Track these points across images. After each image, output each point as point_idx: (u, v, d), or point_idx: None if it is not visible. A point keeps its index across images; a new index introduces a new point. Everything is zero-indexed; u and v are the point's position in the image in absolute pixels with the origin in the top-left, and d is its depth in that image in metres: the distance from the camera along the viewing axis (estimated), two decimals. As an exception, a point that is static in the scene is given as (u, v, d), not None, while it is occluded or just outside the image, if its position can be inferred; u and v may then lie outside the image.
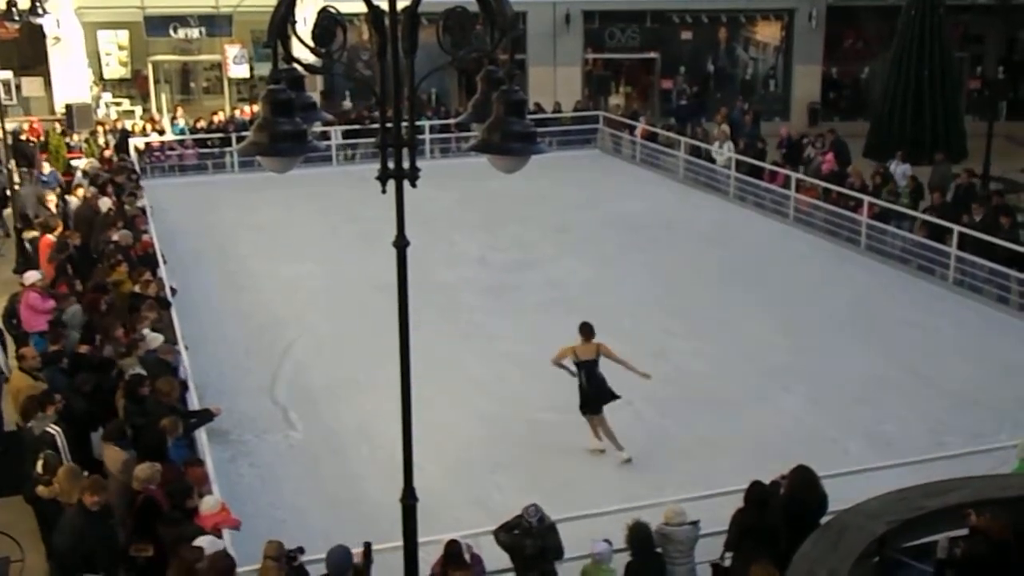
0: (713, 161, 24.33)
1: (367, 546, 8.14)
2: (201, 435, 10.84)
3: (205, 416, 11.10)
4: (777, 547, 8.33)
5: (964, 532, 8.18)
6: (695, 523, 8.80)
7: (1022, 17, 30.67)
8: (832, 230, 20.29)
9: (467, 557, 8.25)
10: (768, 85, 33.88)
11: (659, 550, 8.70)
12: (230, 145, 25.73)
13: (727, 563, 8.82)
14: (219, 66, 32.26)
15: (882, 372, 14.16)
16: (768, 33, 33.68)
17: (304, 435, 12.74)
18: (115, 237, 15.87)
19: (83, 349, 11.94)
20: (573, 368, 11.93)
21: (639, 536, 8.60)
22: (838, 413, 13.01)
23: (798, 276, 18.31)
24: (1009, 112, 31.79)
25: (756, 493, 8.78)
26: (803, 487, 8.85)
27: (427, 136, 26.78)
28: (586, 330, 11.99)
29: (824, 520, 8.69)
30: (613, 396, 11.97)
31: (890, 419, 12.81)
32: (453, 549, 8.14)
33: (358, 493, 11.23)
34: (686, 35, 33.09)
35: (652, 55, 33.06)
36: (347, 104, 30.34)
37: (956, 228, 17.51)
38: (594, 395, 11.93)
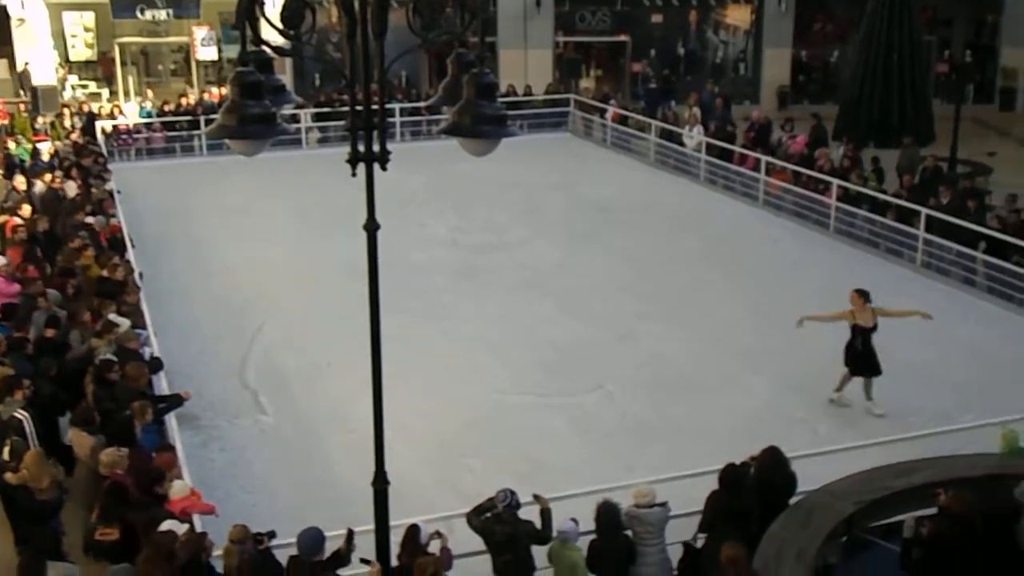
0: (683, 144, 24.37)
1: (350, 532, 8.13)
2: (171, 420, 10.80)
3: (175, 401, 11.07)
4: (749, 528, 8.40)
5: (931, 511, 8.28)
6: (664, 504, 8.84)
7: (989, 1, 30.87)
8: (802, 213, 20.41)
9: (438, 544, 8.25)
10: (738, 68, 33.96)
11: (628, 532, 8.74)
12: (198, 128, 25.52)
13: (699, 544, 8.87)
14: (187, 48, 31.96)
15: (851, 354, 14.26)
16: (738, 16, 33.74)
17: (275, 419, 12.70)
18: (88, 221, 15.74)
19: (49, 333, 11.84)
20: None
21: (607, 516, 8.62)
22: (807, 394, 13.11)
23: (768, 259, 18.41)
24: (976, 96, 32.02)
25: (730, 475, 8.82)
26: (773, 468, 8.92)
27: (397, 119, 26.66)
28: (864, 296, 12.49)
29: (793, 500, 8.77)
30: (876, 371, 12.58)
31: (859, 399, 12.91)
32: (410, 533, 8.12)
33: (329, 477, 11.22)
34: (656, 18, 33.09)
35: (623, 38, 33.06)
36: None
37: (924, 211, 17.65)
38: (864, 363, 12.54)
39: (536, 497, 8.72)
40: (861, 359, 12.62)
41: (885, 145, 24.18)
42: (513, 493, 8.46)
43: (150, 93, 28.27)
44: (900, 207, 18.35)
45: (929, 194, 18.49)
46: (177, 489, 8.81)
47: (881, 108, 25.81)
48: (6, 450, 9.23)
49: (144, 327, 13.03)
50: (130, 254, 15.98)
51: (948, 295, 16.71)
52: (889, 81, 25.78)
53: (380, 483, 7.37)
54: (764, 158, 21.69)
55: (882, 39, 25.87)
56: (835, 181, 19.71)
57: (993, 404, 12.06)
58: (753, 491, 8.80)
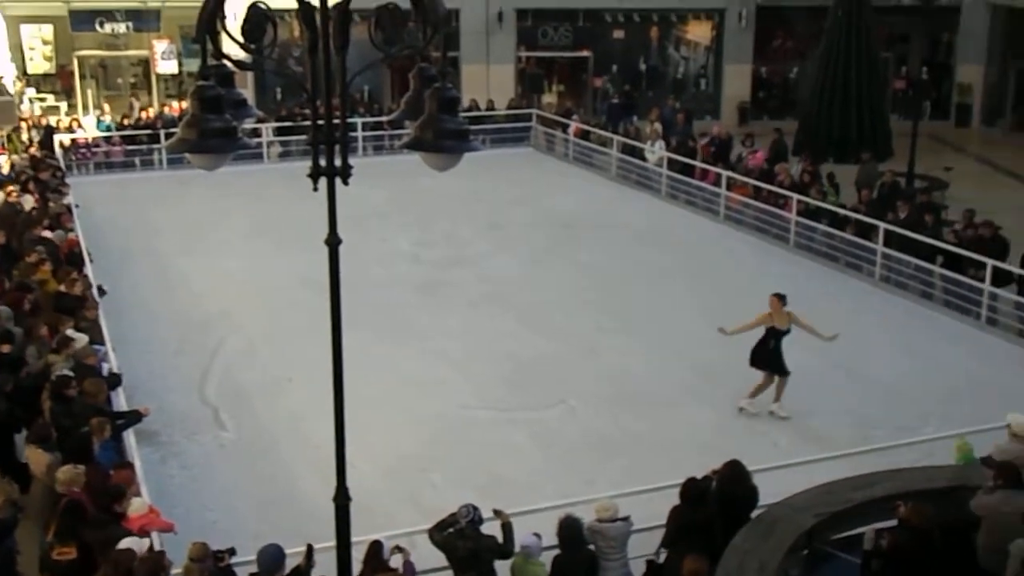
0: (645, 160, 24.50)
1: (309, 548, 8.08)
2: (130, 436, 10.68)
3: (133, 417, 10.94)
4: (712, 542, 8.42)
5: (891, 523, 8.34)
6: (626, 519, 8.85)
7: (945, 19, 31.35)
8: (762, 227, 20.57)
9: (400, 560, 8.21)
10: (699, 84, 34.22)
11: (591, 546, 8.74)
12: (158, 142, 25.34)
13: (662, 559, 8.89)
14: (146, 62, 31.75)
15: (811, 367, 14.34)
16: (699, 33, 34.02)
17: (235, 435, 12.59)
18: (46, 235, 15.57)
19: (4, 348, 11.67)
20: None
21: (569, 531, 8.62)
22: (769, 407, 13.18)
23: (729, 273, 18.53)
24: (933, 112, 32.48)
25: (691, 489, 8.85)
26: (734, 481, 8.95)
27: (359, 133, 26.63)
28: (782, 300, 12.92)
29: (755, 514, 8.81)
30: (783, 372, 12.98)
31: (819, 413, 13.01)
32: (372, 549, 8.09)
33: (290, 493, 11.13)
34: (618, 34, 33.30)
35: (585, 54, 33.22)
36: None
37: (882, 225, 17.84)
38: (775, 363, 12.96)
39: (497, 512, 8.71)
40: (773, 359, 12.95)
41: (844, 160, 24.44)
42: (475, 508, 8.43)
43: (107, 107, 28.01)
44: (859, 221, 18.55)
45: (887, 209, 18.71)
46: (136, 506, 8.70)
47: (840, 124, 26.10)
48: (-40, 468, 9.09)
49: (103, 342, 12.88)
50: (88, 268, 15.81)
51: (906, 309, 16.90)
52: (847, 97, 26.10)
53: (341, 499, 7.32)
54: (725, 173, 21.86)
55: (840, 56, 26.20)
56: (795, 196, 19.89)
57: (951, 416, 12.21)
58: (715, 505, 8.84)
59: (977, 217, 17.81)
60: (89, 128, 26.61)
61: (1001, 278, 16.05)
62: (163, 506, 9.53)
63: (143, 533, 8.40)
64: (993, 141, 30.56)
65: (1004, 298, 15.93)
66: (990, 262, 15.82)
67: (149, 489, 9.65)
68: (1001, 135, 31.04)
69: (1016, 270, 16.08)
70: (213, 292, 17.32)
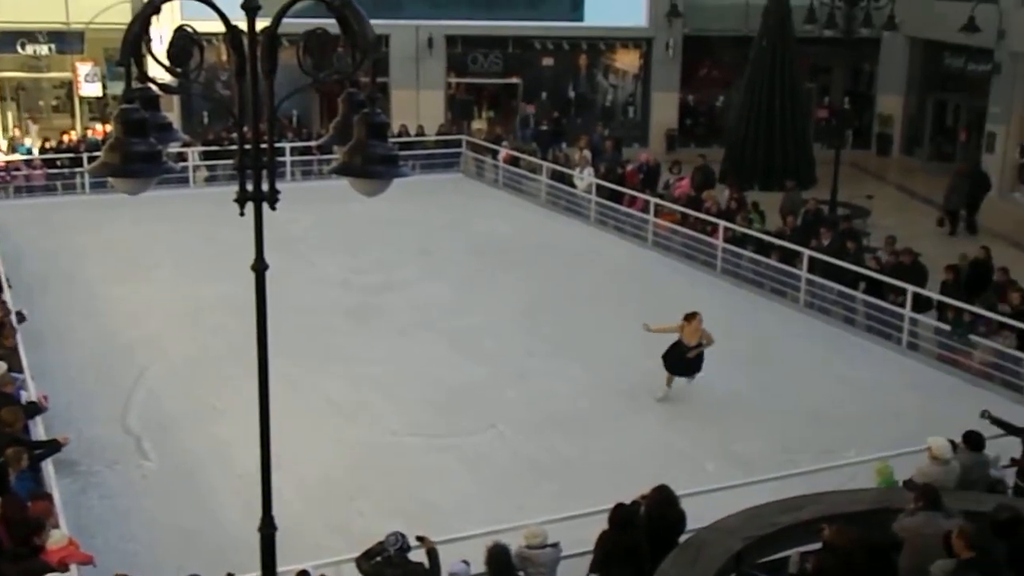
0: (574, 186, 24.67)
1: (229, 577, 7.97)
2: (48, 466, 10.42)
3: (52, 446, 10.68)
4: (640, 567, 8.45)
5: (816, 546, 8.44)
6: (556, 545, 8.84)
7: (866, 51, 32.06)
8: (689, 254, 20.79)
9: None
10: (627, 112, 34.58)
11: (520, 573, 8.71)
12: (81, 165, 24.89)
13: (591, 585, 8.89)
14: (70, 84, 31.23)
15: (737, 391, 14.56)
16: (627, 61, 34.40)
17: (158, 464, 12.36)
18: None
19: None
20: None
21: (496, 560, 8.59)
22: (696, 432, 13.31)
23: (656, 299, 18.62)
24: (855, 141, 33.17)
25: (620, 514, 8.87)
26: (663, 506, 9.01)
27: (288, 158, 26.41)
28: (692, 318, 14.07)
29: (683, 538, 8.86)
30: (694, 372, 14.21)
31: (746, 437, 13.16)
32: None
33: (215, 523, 10.95)
34: (547, 61, 33.53)
35: (514, 80, 33.42)
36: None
37: (806, 252, 18.15)
38: (693, 367, 14.18)
39: (420, 539, 8.66)
40: (692, 365, 14.08)
41: (768, 188, 24.85)
42: (403, 536, 8.38)
43: (30, 129, 27.48)
44: (783, 248, 18.85)
45: (811, 236, 19.04)
46: (55, 539, 8.49)
47: (765, 152, 26.59)
48: None
49: (21, 370, 12.58)
50: (7, 294, 15.45)
51: (830, 334, 17.18)
52: (772, 126, 26.60)
53: (267, 528, 7.21)
54: (653, 200, 22.08)
55: (765, 85, 26.72)
56: (721, 223, 20.15)
57: (873, 440, 12.42)
58: (643, 529, 8.87)
59: (898, 244, 18.20)
60: (9, 151, 26.06)
61: (921, 304, 16.41)
62: (83, 538, 9.32)
63: (62, 566, 8.21)
64: (912, 170, 31.30)
65: (924, 323, 16.29)
66: (910, 288, 16.16)
67: (68, 521, 9.44)
68: (920, 164, 31.79)
69: (935, 296, 16.46)
70: (137, 318, 17.02)
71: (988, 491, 9.95)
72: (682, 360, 14.05)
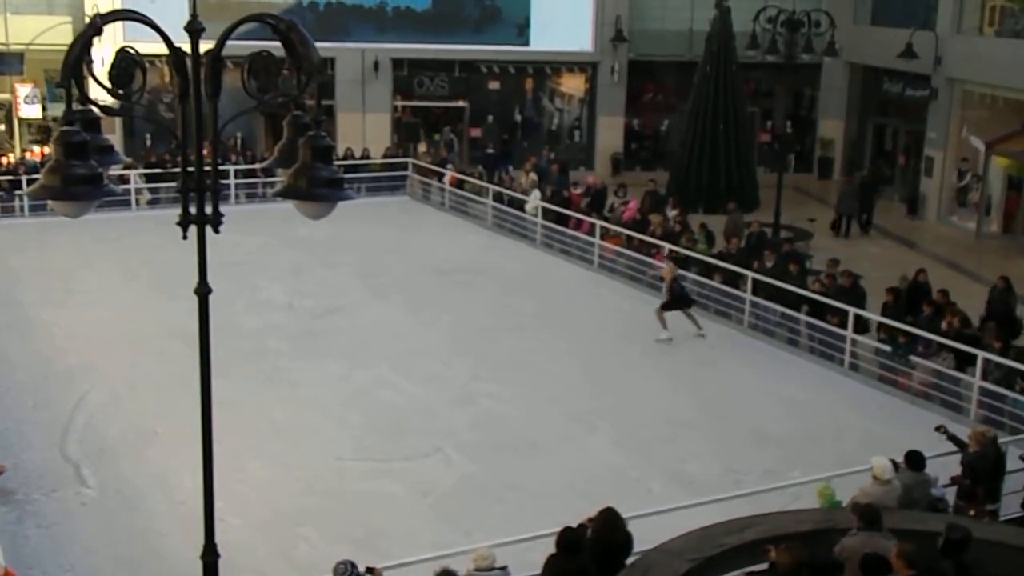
0: (522, 209, 24.74)
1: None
2: (-17, 495, 10.21)
3: (-11, 474, 10.47)
4: (587, 589, 8.43)
5: (762, 567, 8.49)
6: (504, 568, 8.81)
7: (807, 76, 32.64)
8: (635, 276, 20.91)
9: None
10: (573, 135, 34.80)
11: (469, 597, 8.66)
12: (20, 188, 24.48)
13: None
14: (9, 105, 30.78)
15: (682, 413, 14.63)
16: (573, 85, 34.66)
17: (98, 491, 12.13)
18: None
19: None
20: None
21: (444, 585, 8.54)
22: (642, 453, 13.34)
23: (602, 321, 18.76)
24: (797, 164, 33.67)
25: (567, 537, 8.86)
26: (609, 527, 9.01)
27: (232, 181, 26.20)
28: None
29: (630, 560, 8.87)
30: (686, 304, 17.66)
31: (691, 458, 13.22)
32: None
33: (156, 551, 10.77)
34: (494, 85, 33.67)
35: (461, 103, 33.49)
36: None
37: (750, 274, 18.34)
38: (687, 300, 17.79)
39: (370, 570, 8.59)
40: (686, 297, 17.68)
41: (713, 211, 25.13)
42: (353, 564, 8.30)
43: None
44: (727, 270, 19.03)
45: (754, 258, 19.24)
46: (-10, 569, 8.31)
47: (709, 175, 26.92)
48: None
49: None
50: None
51: (773, 355, 17.35)
52: (716, 149, 26.94)
53: (209, 555, 7.12)
54: (599, 223, 22.21)
55: (709, 109, 27.06)
56: (666, 245, 20.30)
57: (816, 460, 12.54)
58: (590, 552, 8.86)
59: (841, 266, 18.46)
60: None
61: (862, 325, 16.64)
62: (19, 568, 9.14)
63: (-2, 597, 8.02)
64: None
65: (864, 344, 16.52)
66: (852, 310, 16.38)
67: (5, 550, 9.25)
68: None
69: (875, 317, 16.71)
70: (76, 343, 16.73)
71: (929, 510, 10.11)
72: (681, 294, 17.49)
